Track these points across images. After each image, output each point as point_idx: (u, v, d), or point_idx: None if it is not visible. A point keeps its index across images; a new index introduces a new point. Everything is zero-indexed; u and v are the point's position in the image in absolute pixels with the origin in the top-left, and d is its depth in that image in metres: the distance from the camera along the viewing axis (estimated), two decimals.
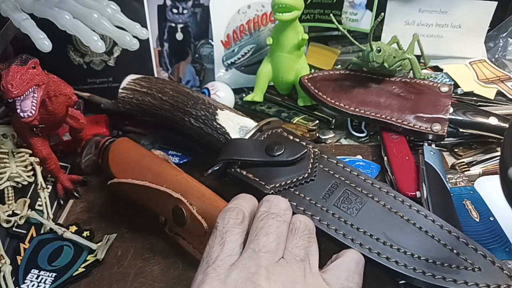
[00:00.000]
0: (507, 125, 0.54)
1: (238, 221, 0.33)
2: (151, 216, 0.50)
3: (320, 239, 0.36)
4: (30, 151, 0.49)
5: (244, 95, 0.69)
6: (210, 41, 0.71)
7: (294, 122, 0.61)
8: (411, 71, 0.61)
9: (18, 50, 0.65)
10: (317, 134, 0.62)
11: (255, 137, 0.48)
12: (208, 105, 0.52)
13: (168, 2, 0.69)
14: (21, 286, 0.42)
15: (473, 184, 0.51)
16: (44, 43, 0.44)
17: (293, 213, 0.41)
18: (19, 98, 0.41)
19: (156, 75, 0.67)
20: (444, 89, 0.56)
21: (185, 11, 0.70)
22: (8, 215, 0.46)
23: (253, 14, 0.70)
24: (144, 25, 0.63)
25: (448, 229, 0.39)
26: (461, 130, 0.55)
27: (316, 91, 0.60)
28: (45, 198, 0.49)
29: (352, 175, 0.44)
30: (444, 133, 0.53)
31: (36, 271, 0.43)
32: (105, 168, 0.51)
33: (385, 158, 0.54)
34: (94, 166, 0.55)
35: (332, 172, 0.44)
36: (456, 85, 0.67)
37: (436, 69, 0.72)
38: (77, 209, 0.51)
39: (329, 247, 0.38)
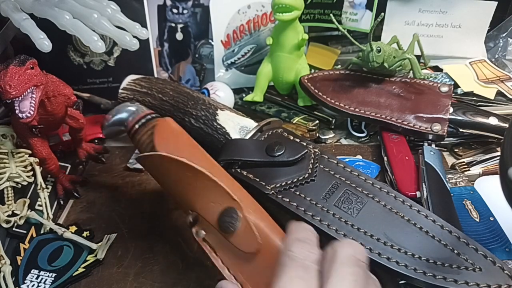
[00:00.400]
0: (507, 125, 0.54)
1: (315, 256, 0.30)
2: (152, 216, 0.50)
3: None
4: (30, 152, 0.49)
5: (244, 95, 0.69)
6: (210, 41, 0.71)
7: (294, 122, 0.61)
8: (411, 71, 0.61)
9: (18, 50, 0.65)
10: (317, 134, 0.62)
11: (255, 138, 0.48)
12: (209, 106, 0.52)
13: (168, 2, 0.69)
14: (21, 286, 0.42)
15: (473, 184, 0.51)
16: (44, 43, 0.44)
17: (294, 214, 0.41)
18: (17, 98, 0.41)
19: (156, 75, 0.67)
20: (444, 89, 0.56)
21: (185, 11, 0.70)
22: (8, 215, 0.46)
23: (253, 14, 0.70)
24: (144, 25, 0.63)
25: (448, 229, 0.39)
26: (461, 130, 0.55)
27: (316, 91, 0.60)
28: (45, 198, 0.49)
29: (352, 175, 0.44)
30: (444, 133, 0.53)
31: (36, 271, 0.43)
32: (138, 138, 0.44)
33: (385, 158, 0.54)
34: (116, 134, 0.47)
35: (332, 173, 0.44)
36: (456, 85, 0.67)
37: (436, 69, 0.72)
38: (77, 209, 0.51)
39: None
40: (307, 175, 0.44)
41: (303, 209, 0.41)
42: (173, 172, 0.40)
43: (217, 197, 0.37)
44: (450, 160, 0.57)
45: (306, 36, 0.61)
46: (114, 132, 0.47)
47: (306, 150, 0.45)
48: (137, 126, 0.45)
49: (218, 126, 0.50)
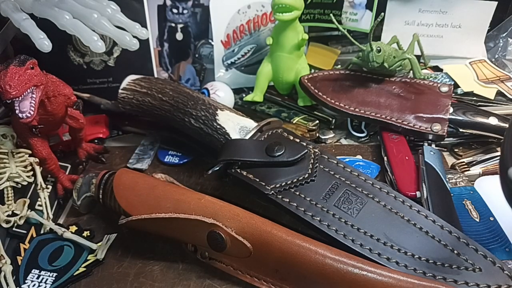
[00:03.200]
0: (507, 125, 0.54)
1: None
2: None
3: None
4: (30, 152, 0.49)
5: (244, 95, 0.69)
6: (210, 41, 0.71)
7: (294, 122, 0.61)
8: (411, 71, 0.61)
9: (18, 50, 0.65)
10: (317, 134, 0.62)
11: (255, 138, 0.48)
12: (208, 106, 0.52)
13: (168, 2, 0.69)
14: (22, 286, 0.42)
15: (473, 184, 0.51)
16: (44, 43, 0.44)
17: (294, 215, 0.41)
18: (17, 99, 0.41)
19: (156, 75, 0.67)
20: (444, 89, 0.56)
21: (185, 11, 0.70)
22: (8, 215, 0.46)
23: (253, 14, 0.69)
24: (144, 25, 0.63)
25: (448, 229, 0.39)
26: (461, 130, 0.56)
27: (316, 91, 0.60)
28: (45, 198, 0.49)
29: (352, 175, 0.44)
30: (444, 133, 0.53)
31: (36, 271, 0.43)
32: (109, 204, 0.47)
33: (385, 158, 0.54)
34: (91, 204, 0.51)
35: (332, 173, 0.44)
36: (456, 85, 0.67)
37: (436, 69, 0.72)
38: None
39: None
40: (307, 175, 0.44)
41: (303, 209, 0.41)
42: (151, 226, 0.43)
43: (196, 228, 0.40)
44: (450, 160, 0.57)
45: (306, 36, 0.61)
46: (88, 205, 0.50)
47: (306, 150, 0.45)
48: (101, 192, 0.47)
49: (218, 126, 0.50)
